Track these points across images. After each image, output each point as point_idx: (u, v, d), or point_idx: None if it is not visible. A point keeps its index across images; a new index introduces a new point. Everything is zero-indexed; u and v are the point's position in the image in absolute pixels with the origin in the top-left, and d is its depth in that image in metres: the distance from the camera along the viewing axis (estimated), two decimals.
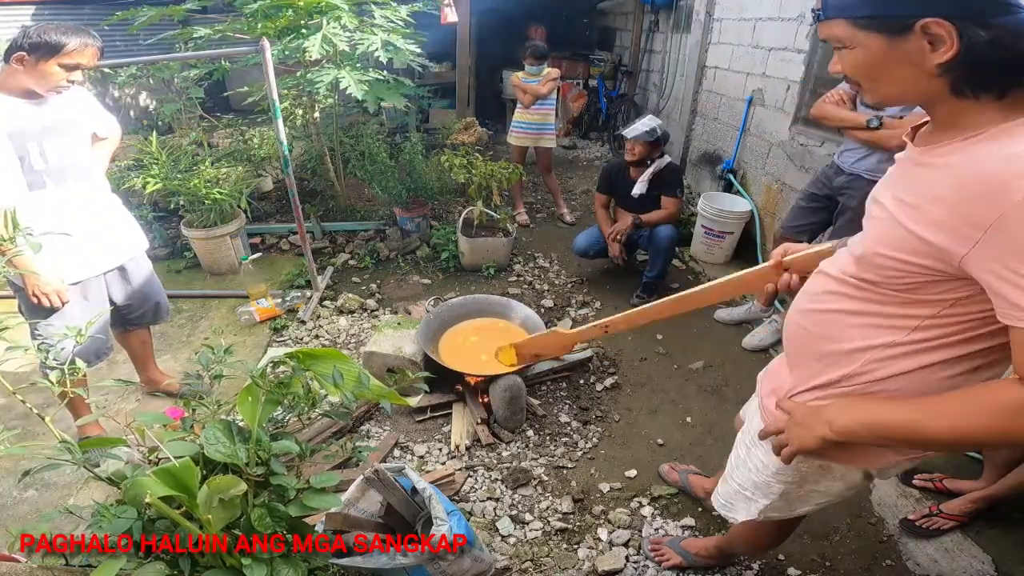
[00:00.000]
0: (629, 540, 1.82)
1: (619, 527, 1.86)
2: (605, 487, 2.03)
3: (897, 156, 0.88)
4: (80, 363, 1.06)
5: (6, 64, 1.61)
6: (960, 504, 1.82)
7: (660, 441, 2.25)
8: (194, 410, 1.11)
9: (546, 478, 2.06)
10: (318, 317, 3.03)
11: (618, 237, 3.17)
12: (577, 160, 6.24)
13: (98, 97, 2.27)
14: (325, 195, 4.34)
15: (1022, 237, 0.63)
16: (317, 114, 3.86)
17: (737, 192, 3.88)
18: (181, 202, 3.36)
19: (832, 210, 2.48)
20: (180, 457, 0.95)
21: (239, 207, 3.47)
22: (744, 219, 3.57)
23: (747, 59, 3.75)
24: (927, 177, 0.75)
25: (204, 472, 0.98)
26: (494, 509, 1.93)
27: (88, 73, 3.57)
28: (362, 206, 4.29)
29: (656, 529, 1.87)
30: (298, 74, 3.25)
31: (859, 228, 0.91)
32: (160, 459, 1.01)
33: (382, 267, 3.65)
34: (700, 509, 1.93)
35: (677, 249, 3.61)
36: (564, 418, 2.35)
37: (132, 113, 4.53)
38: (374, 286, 3.41)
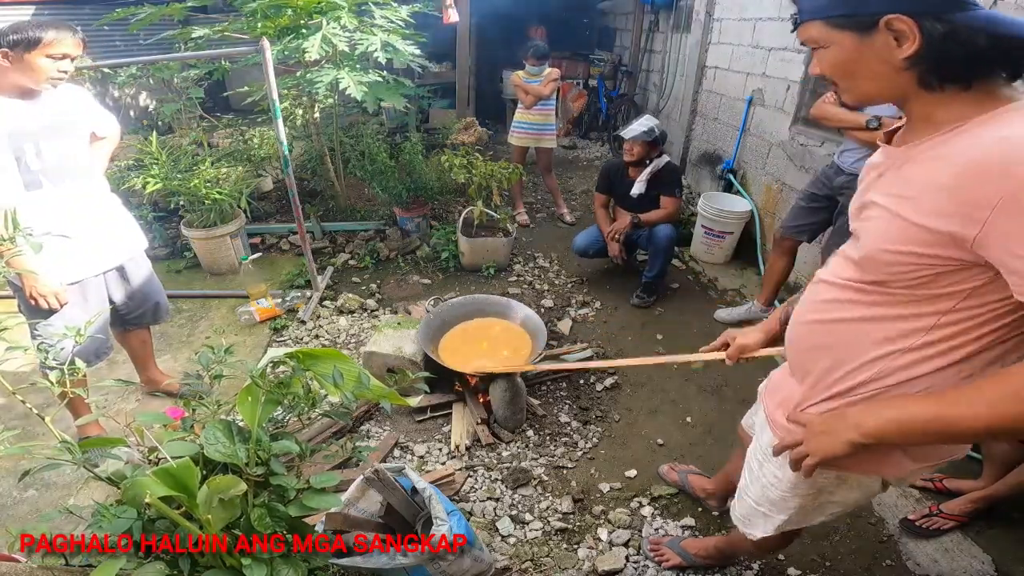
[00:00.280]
0: (629, 540, 1.82)
1: (619, 527, 1.86)
2: (605, 487, 2.03)
3: (871, 160, 0.89)
4: (80, 363, 1.06)
5: None
6: (960, 504, 1.82)
7: (660, 441, 2.25)
8: (194, 410, 1.11)
9: (546, 478, 2.06)
10: (318, 317, 3.03)
11: (617, 236, 3.17)
12: (577, 160, 6.24)
13: (98, 97, 2.27)
14: (325, 195, 4.34)
15: None
16: (317, 114, 3.86)
17: (737, 192, 3.89)
18: (181, 202, 3.37)
19: (832, 210, 2.48)
20: (179, 457, 0.95)
21: (239, 207, 3.47)
22: (744, 219, 3.57)
23: (747, 59, 3.75)
24: (919, 171, 0.76)
25: (204, 472, 0.98)
26: (494, 509, 1.93)
27: (88, 73, 3.58)
28: (362, 206, 4.29)
29: (656, 529, 1.87)
30: (298, 74, 3.25)
31: None
32: (160, 459, 1.01)
33: (382, 267, 3.65)
34: (700, 509, 1.93)
35: (677, 249, 3.62)
36: (564, 418, 2.35)
37: (132, 113, 4.53)
38: (374, 286, 3.41)
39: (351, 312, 3.09)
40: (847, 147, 2.36)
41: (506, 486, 2.01)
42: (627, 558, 1.76)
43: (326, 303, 3.15)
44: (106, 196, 1.98)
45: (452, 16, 4.17)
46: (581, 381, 2.59)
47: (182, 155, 3.59)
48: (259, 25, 3.13)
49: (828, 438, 0.88)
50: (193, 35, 3.32)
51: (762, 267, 3.49)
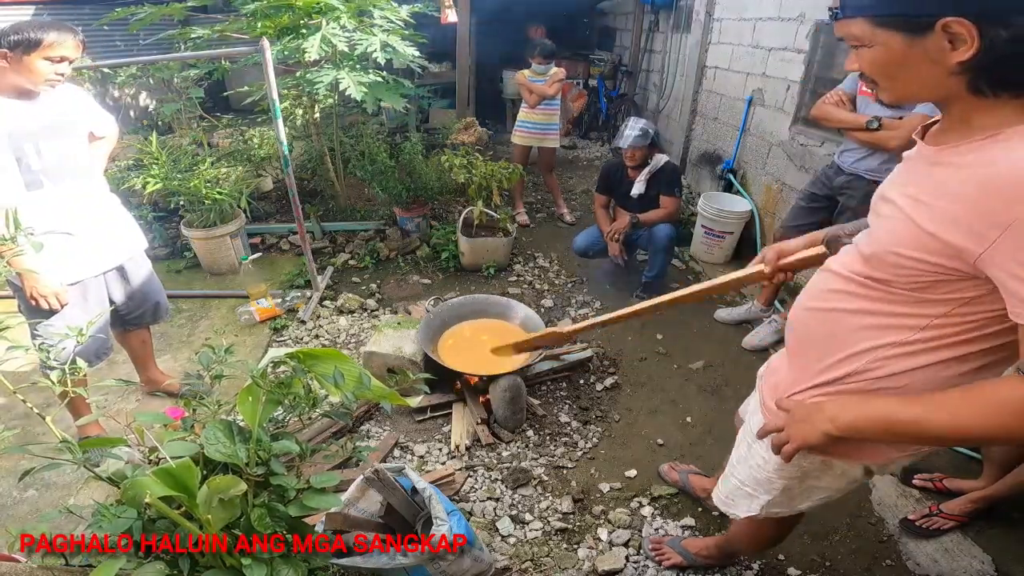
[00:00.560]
0: (629, 540, 1.82)
1: (619, 527, 1.86)
2: (605, 487, 2.03)
3: (906, 154, 0.87)
4: (80, 363, 1.06)
5: None
6: (960, 504, 1.82)
7: (660, 441, 2.25)
8: (194, 410, 1.11)
9: (546, 478, 2.06)
10: (318, 317, 3.03)
11: (617, 236, 3.17)
12: (577, 160, 6.24)
13: (98, 97, 2.28)
14: (325, 195, 4.34)
15: None
16: (317, 114, 3.86)
17: (737, 192, 3.88)
18: (181, 202, 3.36)
19: (832, 210, 2.48)
20: (179, 457, 0.95)
21: (239, 207, 3.47)
22: (744, 219, 3.57)
23: (747, 59, 3.75)
24: (943, 176, 0.75)
25: (204, 472, 0.98)
26: (494, 509, 1.93)
27: (88, 73, 3.58)
28: (362, 206, 4.29)
29: (656, 529, 1.87)
30: (298, 74, 3.25)
31: None
32: (160, 459, 1.01)
33: (382, 267, 3.65)
34: (700, 509, 1.94)
35: (677, 249, 3.61)
36: (564, 418, 2.35)
37: (132, 113, 4.54)
38: (374, 286, 3.41)
39: (351, 312, 3.09)
40: (847, 147, 2.36)
41: (506, 486, 2.01)
42: (627, 558, 1.76)
43: (326, 303, 3.15)
44: (106, 196, 1.99)
45: (450, 17, 4.17)
46: (581, 381, 2.59)
47: (182, 155, 3.59)
48: (259, 25, 3.13)
49: (806, 427, 0.90)
50: (193, 35, 3.32)
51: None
